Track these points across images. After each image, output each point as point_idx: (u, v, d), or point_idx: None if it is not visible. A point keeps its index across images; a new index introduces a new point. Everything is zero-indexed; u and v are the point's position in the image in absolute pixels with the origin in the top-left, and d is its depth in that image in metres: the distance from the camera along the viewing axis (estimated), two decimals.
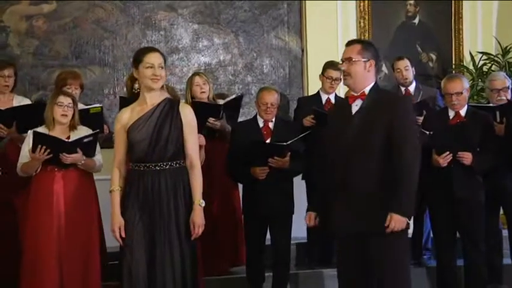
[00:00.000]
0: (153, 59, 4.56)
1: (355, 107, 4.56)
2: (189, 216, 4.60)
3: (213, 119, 6.49)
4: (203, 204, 4.65)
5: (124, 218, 4.55)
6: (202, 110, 6.36)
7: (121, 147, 4.64)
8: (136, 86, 4.78)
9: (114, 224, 4.52)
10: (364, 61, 4.53)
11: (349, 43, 4.65)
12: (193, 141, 4.70)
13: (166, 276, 4.51)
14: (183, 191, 4.62)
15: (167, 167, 4.58)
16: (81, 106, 6.20)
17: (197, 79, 6.73)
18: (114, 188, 4.60)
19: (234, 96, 7.23)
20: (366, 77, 4.56)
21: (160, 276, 4.50)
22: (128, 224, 4.52)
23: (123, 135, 4.62)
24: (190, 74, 7.45)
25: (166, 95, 4.76)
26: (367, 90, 4.56)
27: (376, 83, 4.65)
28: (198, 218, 4.59)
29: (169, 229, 4.53)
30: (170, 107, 4.64)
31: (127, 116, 4.63)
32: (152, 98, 4.62)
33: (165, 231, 4.52)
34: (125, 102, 5.57)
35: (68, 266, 5.71)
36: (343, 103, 4.90)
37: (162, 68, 4.59)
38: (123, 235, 4.51)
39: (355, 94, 4.58)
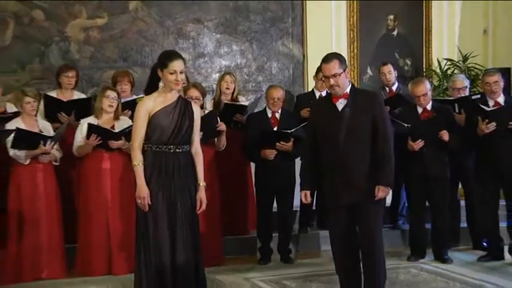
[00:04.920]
0: (176, 66, 4.27)
1: (340, 104, 4.45)
2: (195, 192, 4.41)
3: (240, 115, 6.53)
4: (205, 185, 4.49)
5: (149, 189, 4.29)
6: (232, 108, 6.54)
7: (143, 128, 4.31)
8: (161, 84, 4.46)
9: (142, 192, 4.23)
10: (344, 71, 4.45)
11: (328, 60, 4.46)
12: (198, 133, 4.52)
13: (185, 239, 4.30)
14: (191, 171, 4.42)
15: (182, 150, 4.36)
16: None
17: (227, 77, 6.72)
18: (139, 162, 4.27)
19: (253, 99, 7.39)
20: (347, 81, 4.49)
21: (180, 240, 4.28)
22: (152, 197, 4.26)
23: (147, 119, 4.31)
24: (213, 75, 7.45)
25: (179, 93, 4.59)
26: (347, 90, 4.47)
27: (352, 83, 4.61)
28: (204, 195, 4.44)
29: (185, 201, 4.32)
30: (185, 104, 4.46)
31: (151, 103, 4.32)
32: (172, 94, 4.40)
33: (182, 203, 4.32)
34: None
35: (113, 226, 5.82)
36: (324, 102, 4.75)
37: (182, 72, 4.34)
38: (150, 202, 4.25)
39: (338, 96, 4.48)
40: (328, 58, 4.48)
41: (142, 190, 4.24)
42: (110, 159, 5.81)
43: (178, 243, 4.27)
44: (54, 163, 5.85)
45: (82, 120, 5.89)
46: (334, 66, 4.41)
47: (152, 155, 4.31)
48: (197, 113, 4.50)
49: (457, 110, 6.34)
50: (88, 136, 5.70)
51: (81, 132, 5.80)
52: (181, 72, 4.30)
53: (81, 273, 5.78)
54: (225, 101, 6.59)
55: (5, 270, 5.64)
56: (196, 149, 4.47)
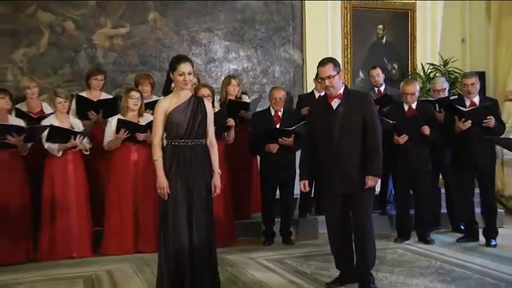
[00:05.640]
0: (184, 68, 4.25)
1: (335, 104, 4.47)
2: (211, 180, 4.38)
3: (244, 111, 6.55)
4: (220, 173, 4.48)
5: (168, 180, 4.27)
6: (237, 105, 6.51)
7: (161, 126, 4.31)
8: (172, 85, 4.47)
9: (162, 183, 4.23)
10: (338, 73, 4.46)
11: (323, 63, 4.47)
12: (212, 127, 4.46)
13: (201, 223, 4.28)
14: (207, 161, 4.38)
15: (198, 143, 4.33)
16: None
17: (233, 81, 6.69)
18: (158, 157, 4.27)
19: (255, 96, 7.37)
20: (340, 83, 4.49)
21: (196, 224, 4.27)
22: (171, 186, 4.26)
23: (163, 118, 4.31)
24: (222, 78, 7.44)
25: (191, 92, 4.58)
26: (341, 91, 4.48)
27: (345, 85, 4.61)
28: (218, 182, 4.40)
29: (201, 188, 4.30)
30: (198, 101, 4.40)
31: (167, 103, 4.31)
32: (185, 93, 4.36)
33: (198, 190, 4.29)
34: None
35: (142, 212, 5.92)
36: (321, 102, 4.69)
37: (190, 74, 4.29)
38: (169, 192, 4.24)
39: (333, 96, 4.49)
40: (324, 62, 4.49)
41: (162, 182, 4.25)
42: (137, 152, 5.91)
43: (194, 226, 4.28)
44: (85, 152, 5.91)
45: (110, 118, 5.96)
46: (329, 69, 4.42)
47: (172, 149, 4.31)
48: (209, 108, 4.45)
49: (437, 109, 6.37)
50: (118, 130, 5.79)
51: (110, 127, 5.89)
52: (189, 74, 4.27)
53: (109, 252, 5.86)
54: (229, 98, 6.59)
55: (40, 249, 5.74)
56: (212, 140, 4.44)
